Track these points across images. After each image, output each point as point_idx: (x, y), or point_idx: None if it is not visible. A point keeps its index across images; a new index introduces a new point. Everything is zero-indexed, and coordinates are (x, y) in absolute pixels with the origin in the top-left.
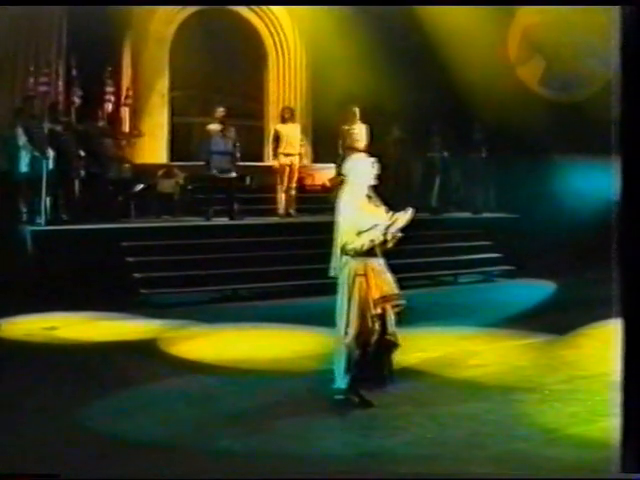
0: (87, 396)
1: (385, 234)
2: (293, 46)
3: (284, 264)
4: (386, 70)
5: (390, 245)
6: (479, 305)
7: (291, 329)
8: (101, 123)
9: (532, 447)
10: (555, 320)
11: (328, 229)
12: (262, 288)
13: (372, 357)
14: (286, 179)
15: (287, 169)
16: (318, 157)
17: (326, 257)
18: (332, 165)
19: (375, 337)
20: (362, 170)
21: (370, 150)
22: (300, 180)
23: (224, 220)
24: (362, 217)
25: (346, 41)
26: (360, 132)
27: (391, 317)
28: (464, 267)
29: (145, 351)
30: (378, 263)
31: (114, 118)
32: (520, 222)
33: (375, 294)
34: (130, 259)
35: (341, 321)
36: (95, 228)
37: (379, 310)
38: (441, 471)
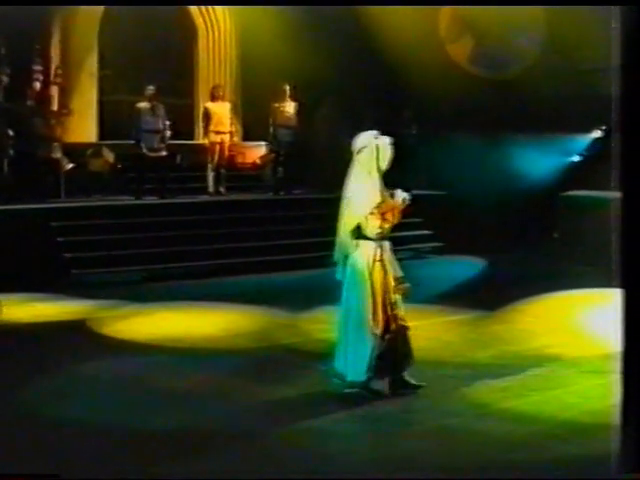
0: (19, 379)
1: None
2: (223, 24)
3: (215, 242)
4: (316, 48)
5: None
6: (409, 282)
7: (222, 307)
8: (30, 102)
9: (464, 422)
10: (485, 296)
11: (259, 207)
12: (194, 267)
13: (390, 345)
14: (216, 157)
15: (217, 147)
16: (249, 135)
17: (256, 235)
18: (263, 143)
19: (394, 324)
20: (372, 148)
21: (301, 127)
22: (231, 158)
23: (154, 199)
24: (380, 199)
25: (276, 19)
26: (290, 109)
27: (399, 300)
28: (394, 244)
29: (77, 332)
30: (389, 246)
31: (43, 97)
32: (450, 199)
33: (392, 279)
34: (60, 239)
35: (364, 310)
36: (25, 208)
37: (397, 295)
38: (374, 447)
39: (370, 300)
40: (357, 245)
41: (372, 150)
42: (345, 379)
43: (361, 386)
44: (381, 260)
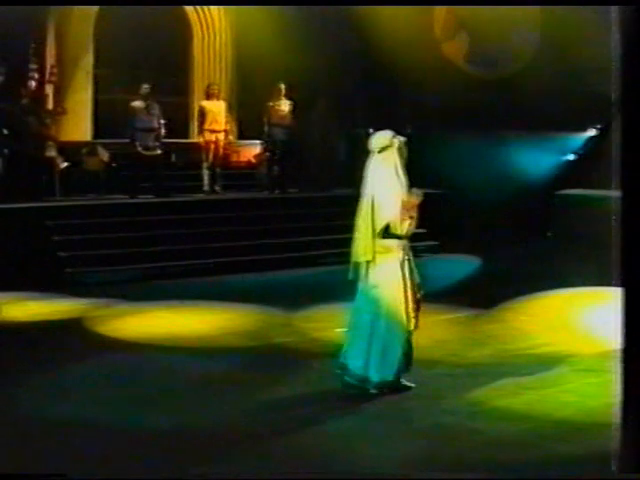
0: (15, 378)
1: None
2: (218, 22)
3: (210, 241)
4: (311, 47)
5: None
6: None
7: (217, 306)
8: (25, 101)
9: (458, 420)
10: (480, 295)
11: (254, 205)
12: (188, 265)
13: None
14: (211, 156)
15: (212, 146)
16: (244, 133)
17: (251, 233)
18: (257, 141)
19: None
20: (396, 147)
21: (295, 126)
22: (226, 157)
23: (149, 198)
24: (407, 197)
25: (271, 18)
26: (285, 108)
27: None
28: None
29: (72, 330)
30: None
31: (38, 95)
32: (445, 198)
33: (416, 276)
34: (56, 238)
35: (398, 308)
36: (20, 207)
37: (421, 293)
38: (369, 445)
39: (403, 297)
40: (387, 245)
41: (396, 149)
42: (369, 380)
43: (390, 386)
44: (409, 259)
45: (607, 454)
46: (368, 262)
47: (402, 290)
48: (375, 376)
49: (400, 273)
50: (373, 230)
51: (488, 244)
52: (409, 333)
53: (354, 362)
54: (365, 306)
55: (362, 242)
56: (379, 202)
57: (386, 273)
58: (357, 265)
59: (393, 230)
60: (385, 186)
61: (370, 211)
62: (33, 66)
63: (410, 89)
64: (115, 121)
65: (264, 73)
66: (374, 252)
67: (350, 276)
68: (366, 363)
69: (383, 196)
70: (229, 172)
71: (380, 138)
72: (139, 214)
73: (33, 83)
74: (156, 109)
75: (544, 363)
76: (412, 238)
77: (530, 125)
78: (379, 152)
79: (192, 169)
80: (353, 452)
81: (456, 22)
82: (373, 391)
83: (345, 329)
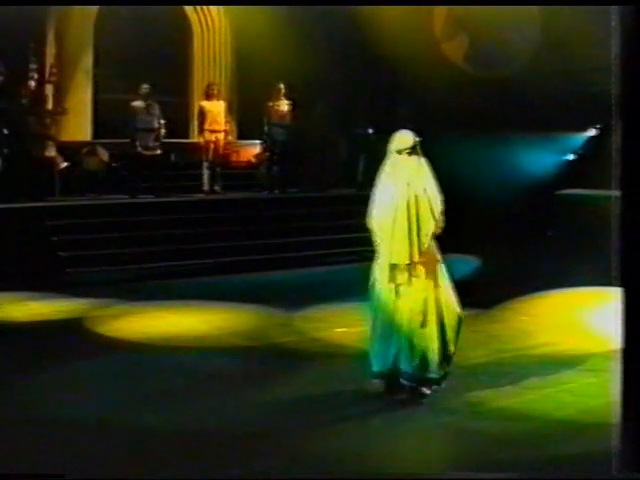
0: (14, 378)
1: None
2: (218, 22)
3: (210, 241)
4: (311, 46)
5: None
6: None
7: (217, 306)
8: (24, 100)
9: (458, 420)
10: (480, 295)
11: (253, 205)
12: (188, 265)
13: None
14: (211, 155)
15: (212, 145)
16: (243, 133)
17: (251, 233)
18: (257, 142)
19: None
20: (417, 146)
21: (295, 126)
22: (225, 156)
23: (149, 197)
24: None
25: (271, 17)
26: (285, 108)
27: None
28: None
29: (72, 331)
30: None
31: (38, 95)
32: (445, 197)
33: None
34: (55, 238)
35: (453, 297)
36: (19, 207)
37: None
38: (369, 445)
39: (452, 291)
40: (431, 244)
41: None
42: (430, 379)
43: (447, 377)
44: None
45: (607, 454)
46: (409, 264)
47: (450, 285)
48: (437, 373)
49: (445, 269)
50: (419, 231)
51: (488, 244)
52: (460, 322)
53: (412, 364)
54: (412, 308)
55: (401, 244)
56: (426, 202)
57: (434, 272)
58: (394, 267)
59: (435, 230)
60: (429, 186)
61: (414, 212)
62: (33, 66)
63: (410, 89)
64: (115, 121)
65: (264, 73)
66: (420, 253)
67: (386, 279)
68: (425, 363)
69: (429, 196)
70: (229, 172)
71: (405, 138)
72: (139, 214)
73: (33, 83)
74: (156, 109)
75: (544, 363)
76: None
77: (530, 125)
78: (409, 155)
79: (192, 169)
80: (353, 452)
81: (456, 22)
82: (435, 387)
83: (382, 334)
